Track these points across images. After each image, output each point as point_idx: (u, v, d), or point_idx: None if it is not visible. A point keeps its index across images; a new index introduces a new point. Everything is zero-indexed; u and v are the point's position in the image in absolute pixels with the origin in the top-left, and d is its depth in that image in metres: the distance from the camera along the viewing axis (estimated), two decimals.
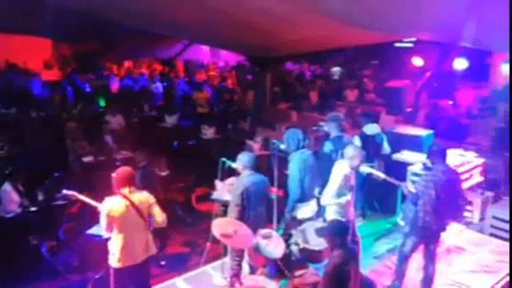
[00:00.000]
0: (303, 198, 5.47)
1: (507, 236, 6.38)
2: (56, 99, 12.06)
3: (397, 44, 12.91)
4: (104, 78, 15.48)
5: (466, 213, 7.09)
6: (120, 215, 4.29)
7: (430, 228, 4.87)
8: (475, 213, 7.05)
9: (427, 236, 4.97)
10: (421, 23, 5.98)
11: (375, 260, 6.00)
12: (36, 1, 9.22)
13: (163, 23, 9.34)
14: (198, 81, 15.58)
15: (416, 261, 5.21)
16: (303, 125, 6.88)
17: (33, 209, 6.37)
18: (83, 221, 5.76)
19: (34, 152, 7.99)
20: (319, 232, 4.14)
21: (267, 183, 5.08)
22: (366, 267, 5.54)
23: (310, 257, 4.85)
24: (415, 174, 6.65)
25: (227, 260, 5.21)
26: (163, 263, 5.93)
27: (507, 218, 6.46)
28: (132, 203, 4.34)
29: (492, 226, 6.64)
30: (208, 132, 10.24)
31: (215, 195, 5.82)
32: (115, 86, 14.80)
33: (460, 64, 10.77)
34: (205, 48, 20.38)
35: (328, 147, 6.00)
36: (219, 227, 4.46)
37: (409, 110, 10.68)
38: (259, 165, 5.03)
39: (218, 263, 5.53)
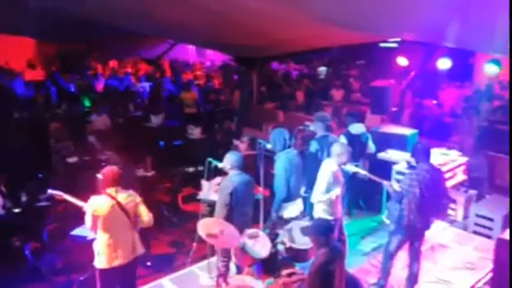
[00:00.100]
0: (289, 197, 5.50)
1: (490, 233, 6.48)
2: (39, 99, 11.91)
3: (382, 44, 12.99)
4: (89, 78, 15.33)
5: (450, 212, 7.19)
6: (105, 214, 4.26)
7: (414, 226, 4.93)
8: (458, 211, 7.15)
9: (412, 234, 5.02)
10: (406, 23, 6.03)
11: (361, 258, 6.04)
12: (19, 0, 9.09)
13: (149, 23, 9.28)
14: (184, 81, 15.52)
15: (402, 259, 5.27)
16: (289, 125, 6.90)
17: (16, 210, 6.29)
18: (67, 222, 5.69)
19: (17, 152, 7.88)
20: (304, 231, 4.16)
21: (253, 182, 5.10)
22: (352, 265, 5.58)
23: (296, 256, 4.86)
24: (400, 173, 6.72)
25: (213, 260, 5.20)
26: (149, 263, 5.89)
27: (490, 215, 6.56)
28: (118, 203, 4.31)
29: (475, 224, 6.73)
30: (195, 132, 10.21)
31: (201, 195, 5.82)
32: (100, 85, 14.67)
33: (444, 64, 10.87)
34: (191, 48, 20.31)
35: (314, 146, 6.03)
36: (205, 227, 4.45)
37: (394, 109, 10.75)
38: (246, 164, 5.04)
39: (204, 263, 5.52)
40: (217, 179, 5.66)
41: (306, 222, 5.08)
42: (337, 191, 5.06)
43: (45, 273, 5.65)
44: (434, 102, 11.95)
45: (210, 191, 5.69)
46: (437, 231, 6.51)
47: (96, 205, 4.28)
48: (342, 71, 17.80)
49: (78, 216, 4.62)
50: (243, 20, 7.69)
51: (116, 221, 4.32)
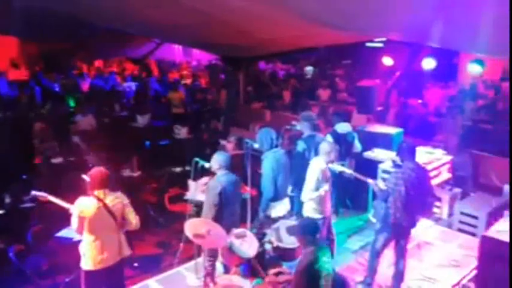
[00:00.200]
0: (277, 196, 5.51)
1: (474, 231, 6.56)
2: (23, 99, 11.75)
3: (368, 44, 13.09)
4: (74, 77, 15.17)
5: (435, 210, 7.27)
6: (91, 216, 4.22)
7: (400, 225, 4.97)
8: (443, 209, 7.23)
9: (398, 232, 5.07)
10: (391, 23, 6.09)
11: (348, 256, 6.08)
12: None
13: (135, 22, 9.22)
14: (171, 81, 15.45)
15: (388, 257, 5.31)
16: (276, 124, 6.92)
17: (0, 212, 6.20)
18: (52, 223, 5.63)
19: (0, 153, 7.76)
20: (290, 231, 4.17)
21: (241, 182, 5.11)
22: (339, 263, 5.61)
23: (283, 255, 4.88)
24: (386, 172, 6.77)
25: (200, 260, 5.19)
26: (136, 264, 5.85)
27: (474, 213, 6.65)
28: (105, 205, 4.27)
29: (460, 222, 6.81)
30: (181, 132, 10.16)
31: (188, 195, 5.79)
32: (86, 85, 14.53)
33: (429, 64, 11.00)
34: (178, 47, 20.21)
35: (301, 146, 6.05)
36: (192, 227, 4.44)
37: (379, 108, 10.84)
38: (233, 164, 5.04)
39: (191, 263, 5.50)
40: (204, 179, 5.65)
41: (293, 222, 5.10)
42: (326, 187, 5.13)
43: (29, 275, 5.57)
44: (419, 101, 12.06)
45: (197, 191, 5.67)
46: (423, 229, 6.58)
47: (83, 206, 4.24)
48: (328, 70, 17.87)
49: (63, 218, 4.57)
50: (229, 20, 7.68)
51: (102, 223, 4.29)
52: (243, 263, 4.74)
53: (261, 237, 5.09)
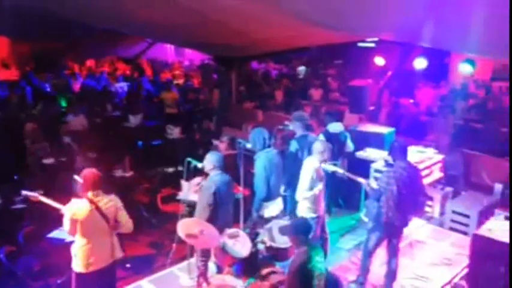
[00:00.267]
0: (270, 196, 5.52)
1: (466, 229, 6.61)
2: (14, 99, 11.64)
3: (360, 44, 13.15)
4: (65, 77, 15.07)
5: (427, 208, 7.30)
6: (84, 218, 4.20)
7: (393, 224, 4.99)
8: (435, 208, 7.27)
9: (390, 231, 5.09)
10: (382, 23, 6.12)
11: (340, 255, 6.10)
12: None
13: (127, 22, 9.18)
14: (163, 80, 15.40)
15: (380, 256, 5.33)
16: (268, 124, 6.93)
17: None
18: (43, 224, 5.59)
19: None
20: (282, 231, 4.17)
21: (233, 182, 5.11)
22: (332, 263, 5.63)
23: (276, 255, 4.88)
24: (378, 171, 6.80)
25: (193, 260, 5.18)
26: (128, 265, 5.82)
27: (466, 212, 6.69)
28: (98, 207, 4.25)
29: (452, 220, 6.85)
30: (174, 132, 10.12)
31: (181, 195, 5.77)
32: (77, 85, 14.44)
33: (420, 64, 11.07)
34: (170, 47, 20.16)
35: (293, 146, 6.05)
36: (184, 227, 4.42)
37: (371, 108, 10.89)
38: (226, 164, 5.03)
39: (184, 263, 5.49)
40: (197, 179, 5.64)
41: (286, 221, 5.10)
42: (320, 186, 5.17)
43: (21, 277, 5.53)
44: (411, 101, 12.13)
45: (190, 191, 5.65)
46: (415, 228, 6.61)
47: (75, 209, 4.22)
48: (321, 70, 17.92)
49: (54, 219, 4.54)
50: (222, 20, 7.68)
51: (95, 225, 4.26)
52: (236, 263, 4.74)
53: (254, 237, 5.09)
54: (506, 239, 4.92)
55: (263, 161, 5.48)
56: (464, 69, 10.59)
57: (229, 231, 4.76)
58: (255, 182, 5.52)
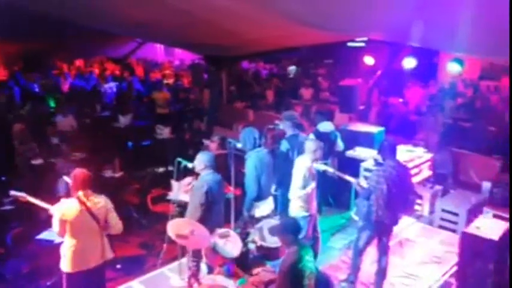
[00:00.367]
0: (261, 196, 5.52)
1: (455, 227, 6.67)
2: (1, 100, 11.50)
3: (350, 44, 13.20)
4: (54, 77, 14.94)
5: (416, 207, 7.36)
6: (73, 218, 4.17)
7: (383, 222, 5.02)
8: (425, 207, 7.33)
9: (380, 230, 5.11)
10: (371, 23, 6.15)
11: (331, 254, 6.12)
12: None
13: (117, 22, 9.12)
14: (153, 80, 15.34)
15: (371, 254, 5.36)
16: (259, 124, 6.91)
17: None
18: (32, 226, 5.55)
19: None
20: (271, 231, 4.17)
21: (224, 182, 5.10)
22: (322, 262, 5.65)
23: (267, 254, 4.89)
24: (368, 170, 6.84)
25: (184, 261, 5.17)
26: (118, 266, 5.79)
27: (455, 210, 6.76)
28: (87, 207, 4.22)
29: (441, 218, 6.91)
30: (164, 132, 10.08)
31: (171, 195, 5.75)
32: (66, 85, 14.32)
33: (409, 63, 11.15)
34: (160, 47, 20.08)
35: (284, 145, 6.06)
36: (175, 227, 4.41)
37: (361, 107, 10.95)
38: (217, 164, 5.02)
39: (175, 264, 5.48)
40: (187, 179, 5.63)
41: (276, 221, 5.11)
42: (313, 185, 5.21)
43: (10, 279, 5.48)
44: (400, 100, 12.22)
45: (180, 191, 5.64)
46: (405, 226, 6.66)
47: (65, 209, 4.18)
48: (311, 70, 17.96)
49: (43, 220, 4.50)
50: (212, 20, 7.66)
51: (84, 225, 4.23)
52: (226, 262, 4.73)
53: (244, 236, 5.09)
54: (495, 237, 4.98)
55: (254, 160, 5.48)
56: (453, 68, 10.70)
57: (219, 231, 4.76)
58: (245, 182, 5.51)
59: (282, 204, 5.87)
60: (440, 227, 6.87)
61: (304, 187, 5.17)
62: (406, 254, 6.09)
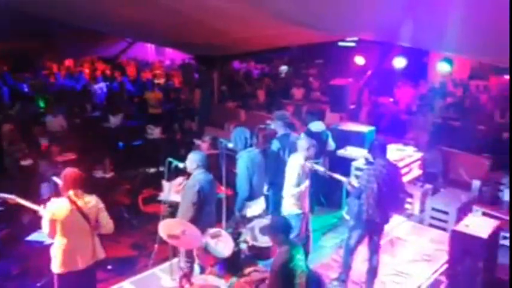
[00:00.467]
0: (252, 196, 5.52)
1: (445, 225, 6.72)
2: None
3: (340, 43, 13.25)
4: (43, 77, 14.81)
5: (407, 206, 7.39)
6: (64, 218, 4.14)
7: (373, 221, 5.04)
8: (415, 205, 7.37)
9: (371, 229, 5.14)
10: (361, 23, 6.17)
11: (322, 253, 6.13)
12: None
13: (107, 21, 9.08)
14: (143, 80, 15.27)
15: (362, 253, 5.38)
16: (251, 124, 6.92)
17: None
18: (21, 227, 5.50)
19: None
20: (262, 230, 4.17)
21: (216, 182, 5.10)
22: (314, 261, 5.66)
23: (259, 254, 4.88)
24: (359, 169, 6.86)
25: (175, 261, 5.15)
26: (109, 267, 5.76)
27: (445, 209, 6.81)
28: (78, 207, 4.19)
29: (431, 217, 6.96)
30: (154, 132, 10.05)
31: (162, 196, 5.74)
32: (56, 85, 14.20)
33: (399, 63, 11.23)
34: (150, 46, 19.99)
35: (275, 145, 6.06)
36: (166, 228, 4.40)
37: (352, 107, 10.98)
38: (208, 164, 5.02)
39: (166, 264, 5.45)
40: (179, 180, 5.61)
41: (268, 221, 5.11)
42: (307, 183, 5.23)
43: None
44: (391, 100, 12.29)
45: (171, 191, 5.62)
46: (396, 225, 6.69)
47: (55, 209, 4.16)
48: (302, 69, 17.99)
49: (33, 221, 4.47)
50: (203, 19, 7.65)
51: (75, 225, 4.21)
52: (218, 262, 4.72)
53: (236, 236, 5.09)
54: (484, 235, 5.04)
55: (245, 160, 5.48)
56: (442, 68, 10.79)
57: (211, 231, 4.75)
58: (237, 182, 5.51)
59: (273, 204, 5.88)
60: (431, 225, 6.92)
61: (298, 185, 5.18)
62: (397, 252, 6.13)
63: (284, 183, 5.33)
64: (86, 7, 7.74)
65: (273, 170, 5.81)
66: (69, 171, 4.31)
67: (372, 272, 5.22)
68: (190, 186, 4.77)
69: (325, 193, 7.45)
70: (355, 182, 5.14)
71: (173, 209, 5.18)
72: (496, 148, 8.58)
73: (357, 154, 7.45)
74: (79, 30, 11.86)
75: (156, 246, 5.40)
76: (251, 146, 5.69)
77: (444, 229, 6.68)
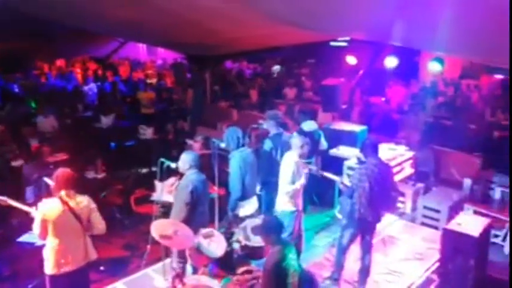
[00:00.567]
0: (245, 195, 5.52)
1: (437, 224, 6.77)
2: None
3: (332, 43, 13.28)
4: (34, 77, 14.70)
5: (399, 204, 7.43)
6: (55, 218, 4.12)
7: (365, 220, 5.06)
8: (407, 204, 7.41)
9: (364, 228, 5.16)
10: (353, 23, 6.19)
11: (315, 252, 6.15)
12: None
13: (99, 21, 9.02)
14: (135, 80, 15.20)
15: (354, 252, 5.40)
16: (243, 123, 6.92)
17: None
18: (13, 228, 5.46)
19: None
20: (254, 231, 4.17)
21: (208, 182, 5.09)
22: (307, 260, 5.68)
23: (251, 253, 4.89)
24: (351, 169, 6.88)
25: (168, 261, 5.14)
26: (102, 268, 5.74)
27: (437, 207, 6.85)
28: (70, 207, 4.17)
29: (423, 216, 7.00)
30: (147, 133, 10.02)
31: (155, 196, 5.72)
32: (47, 85, 14.10)
33: (391, 62, 11.27)
34: (142, 46, 19.90)
35: (268, 144, 6.07)
36: (158, 228, 4.39)
37: (344, 106, 11.03)
38: (201, 164, 5.01)
39: (159, 265, 5.43)
40: (171, 180, 5.60)
41: (260, 221, 5.12)
42: (302, 181, 5.24)
43: None
44: (382, 99, 12.34)
45: (164, 192, 5.60)
46: (388, 223, 6.72)
47: (46, 209, 4.13)
48: (294, 69, 18.02)
49: (24, 222, 4.44)
50: (195, 19, 7.63)
51: (67, 226, 4.19)
52: (211, 262, 4.72)
53: (229, 236, 5.09)
54: (475, 233, 5.08)
55: (238, 160, 5.48)
56: (434, 67, 10.86)
57: (204, 231, 4.75)
58: (230, 182, 5.51)
59: (266, 204, 5.88)
60: (423, 224, 6.96)
61: (292, 182, 5.19)
62: (389, 251, 6.15)
63: (278, 182, 5.34)
64: (78, 7, 7.69)
65: (265, 169, 5.81)
66: (62, 171, 4.30)
67: (365, 271, 5.24)
68: (183, 187, 4.76)
69: (317, 192, 7.47)
70: (347, 181, 5.17)
71: (166, 209, 5.17)
72: (487, 147, 8.66)
73: (349, 153, 7.47)
74: (70, 30, 11.78)
75: (148, 246, 5.39)
76: (243, 145, 5.69)
77: (436, 227, 6.72)
